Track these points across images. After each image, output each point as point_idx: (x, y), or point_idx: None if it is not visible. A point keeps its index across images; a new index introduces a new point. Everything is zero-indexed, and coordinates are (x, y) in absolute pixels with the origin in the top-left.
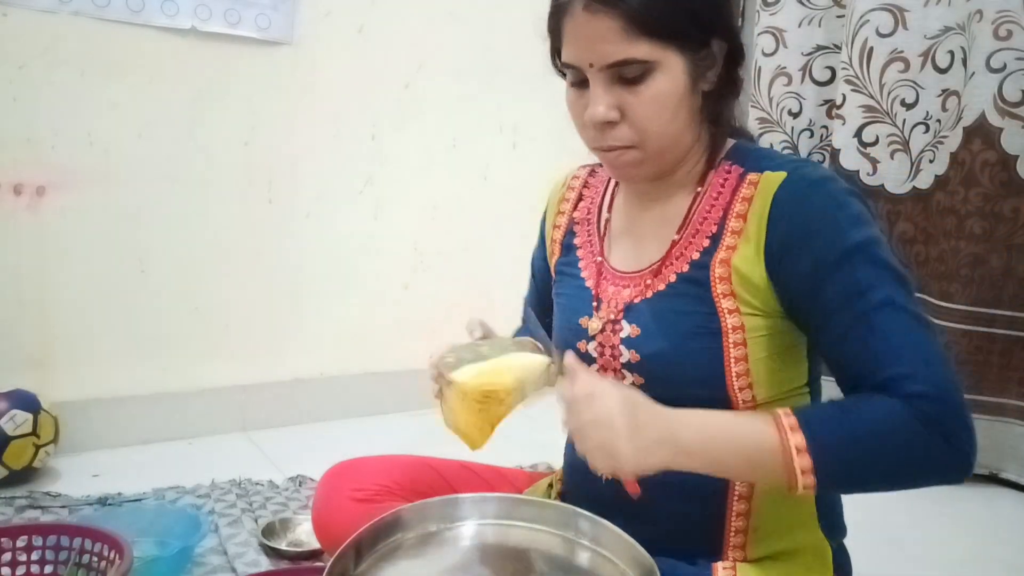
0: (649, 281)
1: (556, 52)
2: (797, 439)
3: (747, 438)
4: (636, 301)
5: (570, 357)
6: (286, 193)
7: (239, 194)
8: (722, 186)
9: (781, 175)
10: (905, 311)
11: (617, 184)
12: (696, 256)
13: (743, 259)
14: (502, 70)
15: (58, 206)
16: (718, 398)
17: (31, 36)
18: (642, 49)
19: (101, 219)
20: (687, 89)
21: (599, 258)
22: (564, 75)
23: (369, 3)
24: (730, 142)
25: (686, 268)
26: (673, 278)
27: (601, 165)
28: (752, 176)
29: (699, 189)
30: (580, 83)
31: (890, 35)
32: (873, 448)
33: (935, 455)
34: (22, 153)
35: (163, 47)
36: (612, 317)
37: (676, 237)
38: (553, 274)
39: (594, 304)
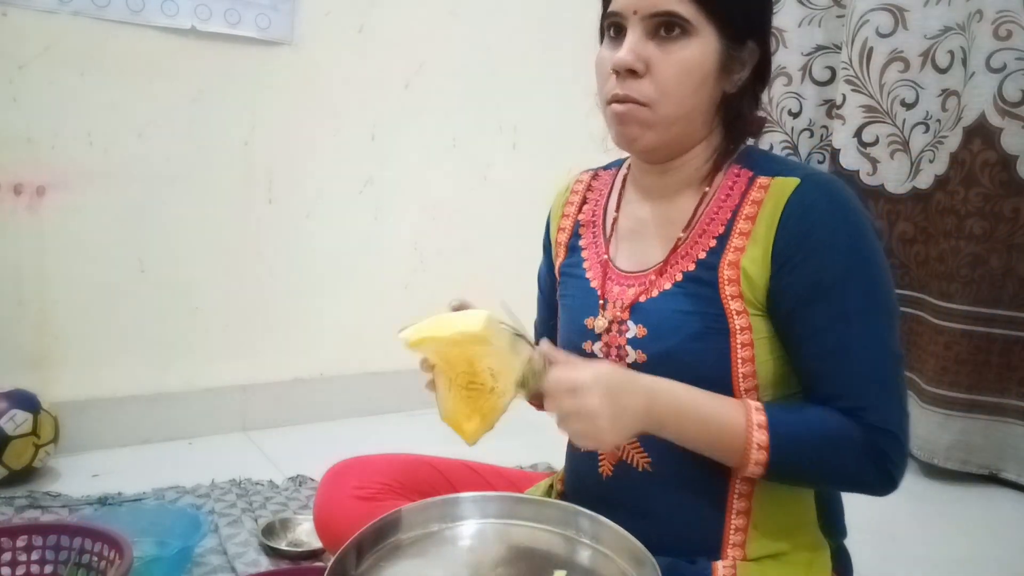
0: (654, 279)
1: (605, 9)
2: (760, 436)
3: (716, 419)
4: (642, 300)
5: (546, 345)
6: (286, 193)
7: (239, 194)
8: (731, 188)
9: (794, 181)
10: (884, 347)
11: (624, 185)
12: (703, 256)
13: (751, 260)
14: (502, 70)
15: (58, 206)
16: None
17: (31, 36)
18: (687, 8)
19: (101, 219)
20: (713, 71)
21: (604, 256)
22: (603, 34)
23: (369, 3)
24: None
25: (692, 267)
26: (679, 277)
27: (606, 168)
28: (763, 180)
29: (706, 189)
30: (617, 37)
31: (890, 35)
32: (822, 455)
33: (869, 479)
34: (22, 153)
35: (163, 47)
36: (618, 317)
37: (682, 236)
38: (557, 276)
39: (600, 303)
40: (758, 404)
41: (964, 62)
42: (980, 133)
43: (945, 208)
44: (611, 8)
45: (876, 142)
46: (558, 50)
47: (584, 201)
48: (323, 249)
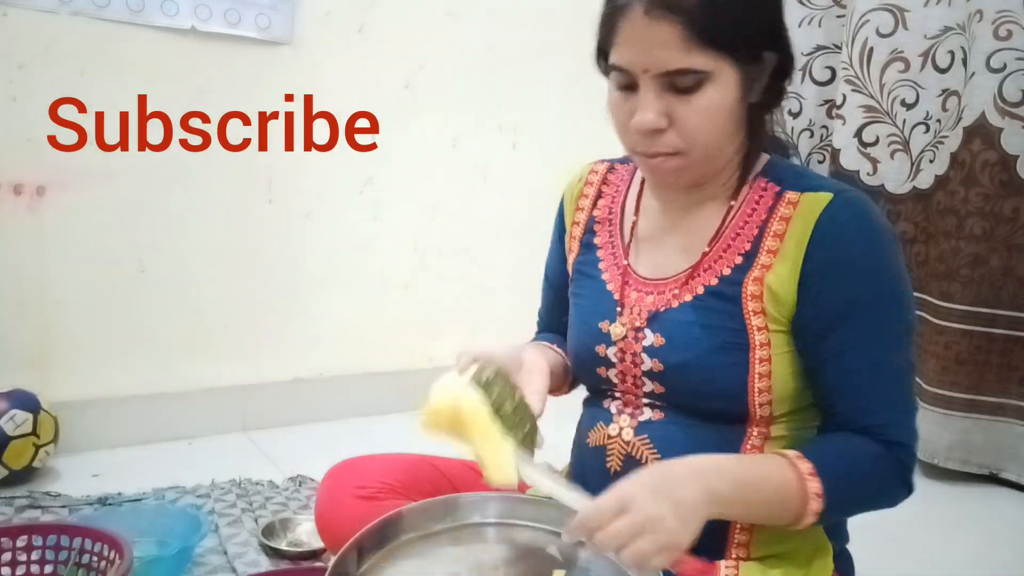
0: (676, 291)
1: (603, 52)
2: (814, 485)
3: (770, 480)
4: (661, 310)
5: (580, 510)
6: (286, 193)
7: (239, 194)
8: (757, 203)
9: (825, 197)
10: (906, 365)
11: (642, 187)
12: (727, 272)
13: (777, 277)
14: (502, 70)
15: (58, 206)
16: (736, 410)
17: (31, 36)
18: (699, 59)
19: (101, 219)
20: (737, 101)
21: (624, 263)
22: (606, 74)
23: (369, 3)
24: (764, 157)
25: (715, 282)
26: (701, 291)
27: (622, 162)
28: (791, 195)
29: (732, 203)
30: (628, 87)
31: (890, 35)
32: (863, 487)
33: (896, 493)
34: (22, 153)
35: (163, 47)
36: (636, 324)
37: (707, 250)
38: (570, 271)
39: (618, 309)
40: (796, 452)
41: (964, 62)
42: (980, 133)
43: (945, 208)
44: (616, 62)
45: (876, 142)
46: (558, 50)
47: (599, 195)
48: (323, 249)
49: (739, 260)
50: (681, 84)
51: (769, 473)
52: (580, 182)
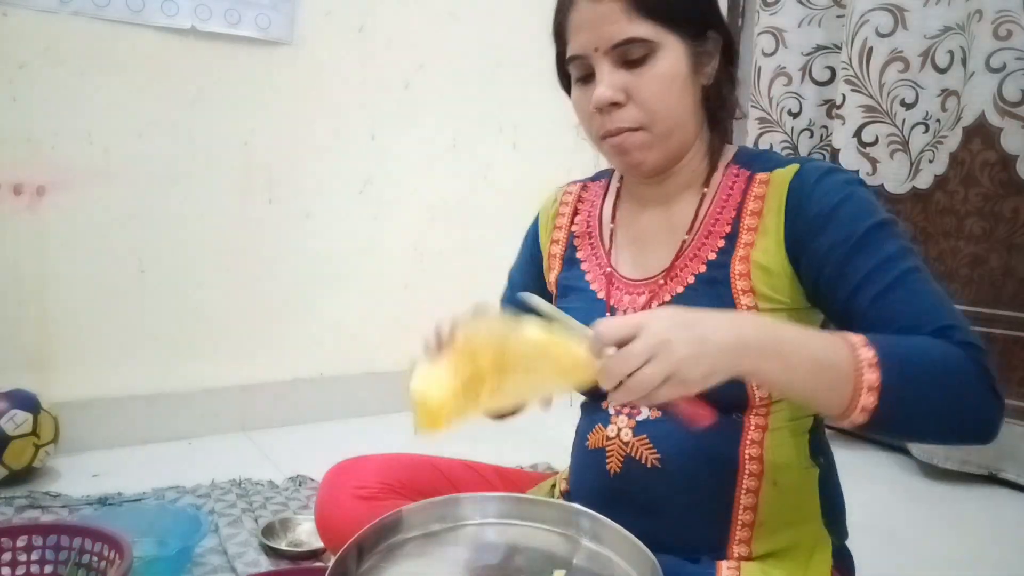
0: (663, 283)
1: (562, 58)
2: (867, 353)
3: (813, 341)
4: (654, 306)
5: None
6: (286, 193)
7: (239, 194)
8: (731, 188)
9: (792, 168)
10: (931, 279)
11: (618, 195)
12: (713, 256)
13: (763, 252)
14: (502, 70)
15: (58, 206)
16: (735, 394)
17: (31, 36)
18: (644, 28)
19: (101, 219)
20: (688, 75)
21: (608, 268)
22: (569, 88)
23: (369, 3)
24: (731, 148)
25: (703, 269)
26: (691, 279)
27: (594, 179)
28: (762, 176)
29: (705, 190)
30: (585, 78)
31: (890, 35)
32: (935, 380)
33: (982, 403)
34: (22, 153)
35: (163, 47)
36: None
37: (687, 238)
38: (554, 290)
39: (608, 314)
40: (861, 337)
41: (964, 62)
42: (980, 133)
43: (945, 208)
44: (571, 53)
45: (876, 142)
46: None
47: (576, 212)
48: (323, 249)
49: (722, 243)
50: (632, 55)
51: (813, 336)
52: (555, 203)
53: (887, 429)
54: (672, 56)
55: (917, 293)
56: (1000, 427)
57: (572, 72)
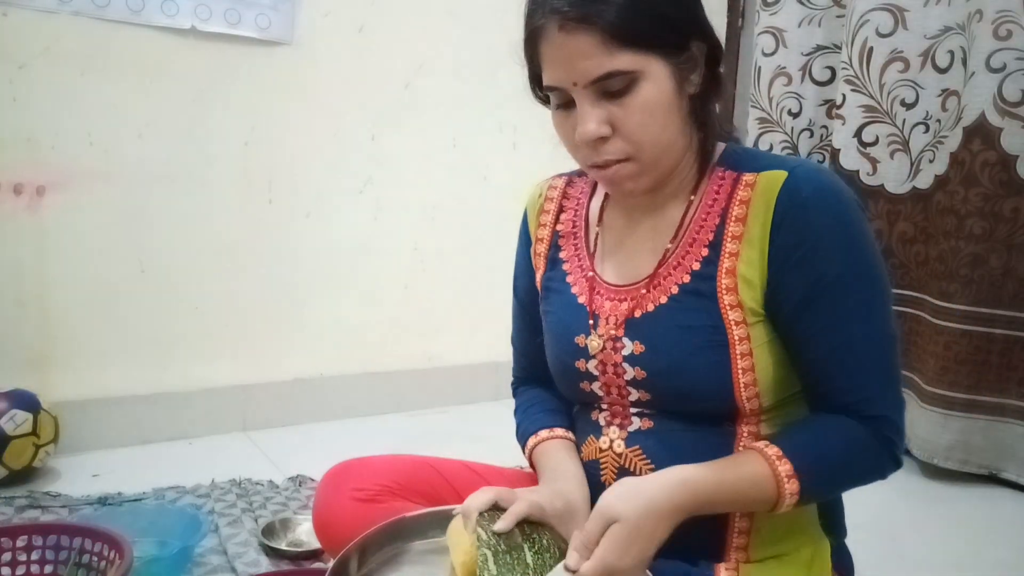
0: (645, 292)
1: (535, 79)
2: (785, 466)
3: (742, 483)
4: (636, 315)
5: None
6: (286, 193)
7: (239, 194)
8: (717, 192)
9: (781, 175)
10: (885, 335)
11: (606, 196)
12: (697, 266)
13: (748, 265)
14: (502, 70)
15: (58, 206)
16: (725, 408)
17: (31, 36)
18: (624, 60)
19: (101, 219)
20: (674, 94)
21: (591, 273)
22: (545, 100)
23: (369, 3)
24: (721, 147)
25: (687, 279)
26: (675, 290)
27: (579, 175)
28: (748, 177)
29: (692, 197)
30: (565, 104)
31: (890, 35)
32: (843, 467)
33: (881, 465)
34: (22, 153)
35: (163, 47)
36: (612, 334)
37: (670, 246)
38: (539, 288)
39: (590, 321)
40: (764, 441)
41: (964, 62)
42: (980, 133)
43: (945, 208)
44: (548, 83)
45: (876, 142)
46: None
47: (561, 209)
48: (323, 249)
49: (705, 252)
50: (613, 88)
51: (742, 478)
52: (540, 197)
53: (812, 501)
54: (655, 81)
55: (854, 360)
56: (899, 466)
57: (551, 98)
